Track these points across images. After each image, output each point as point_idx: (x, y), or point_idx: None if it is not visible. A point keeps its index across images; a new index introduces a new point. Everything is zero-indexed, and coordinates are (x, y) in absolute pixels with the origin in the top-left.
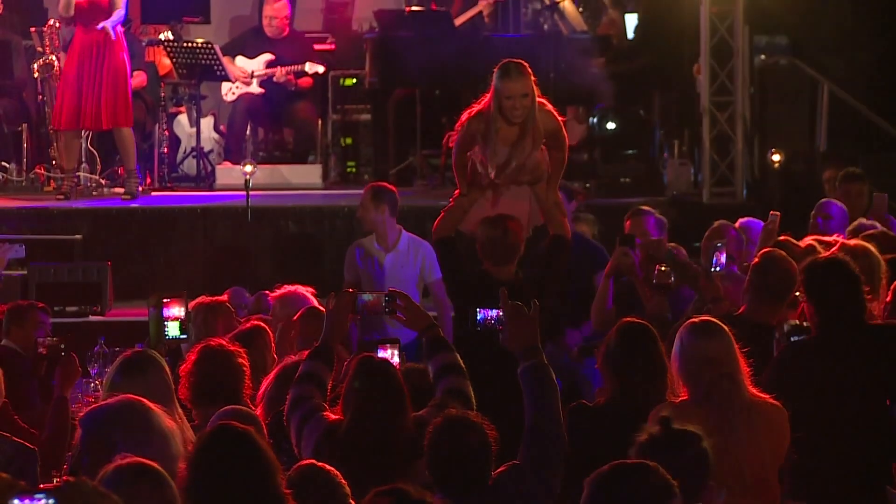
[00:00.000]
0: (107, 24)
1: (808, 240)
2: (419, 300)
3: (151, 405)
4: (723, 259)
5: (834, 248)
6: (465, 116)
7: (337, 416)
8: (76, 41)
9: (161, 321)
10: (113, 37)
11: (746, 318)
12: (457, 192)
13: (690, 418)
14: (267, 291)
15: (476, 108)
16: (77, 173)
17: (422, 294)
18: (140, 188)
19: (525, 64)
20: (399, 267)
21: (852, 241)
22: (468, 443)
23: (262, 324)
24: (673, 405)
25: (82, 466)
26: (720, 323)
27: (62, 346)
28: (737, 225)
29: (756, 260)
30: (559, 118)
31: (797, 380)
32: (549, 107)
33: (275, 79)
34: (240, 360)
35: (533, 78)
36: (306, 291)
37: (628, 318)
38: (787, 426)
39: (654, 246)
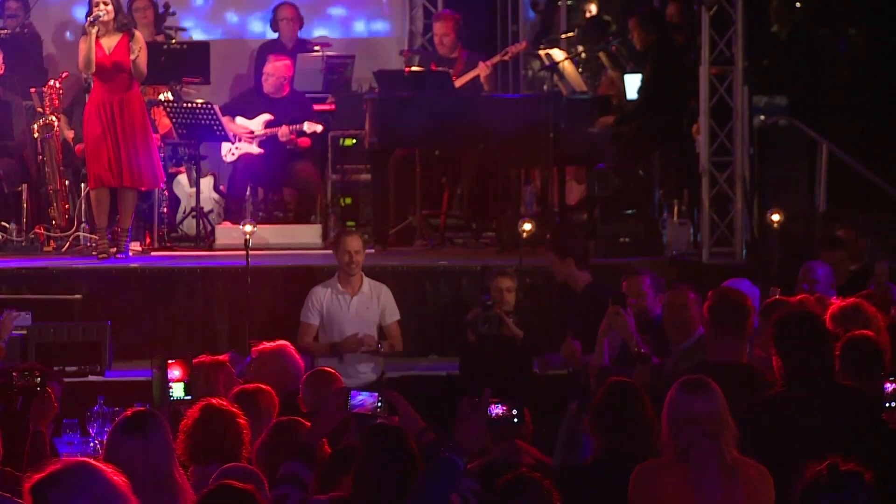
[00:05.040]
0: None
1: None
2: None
3: (101, 466)
4: None
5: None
6: None
7: (340, 493)
8: (95, 99)
9: (165, 382)
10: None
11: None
12: None
13: (664, 476)
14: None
15: None
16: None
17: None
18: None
19: None
20: (364, 308)
21: (848, 300)
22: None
23: (267, 387)
24: (652, 463)
25: None
26: (712, 381)
27: (38, 378)
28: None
29: (708, 301)
30: None
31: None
32: None
33: (280, 137)
34: (240, 420)
35: None
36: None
37: (616, 378)
38: (772, 490)
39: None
